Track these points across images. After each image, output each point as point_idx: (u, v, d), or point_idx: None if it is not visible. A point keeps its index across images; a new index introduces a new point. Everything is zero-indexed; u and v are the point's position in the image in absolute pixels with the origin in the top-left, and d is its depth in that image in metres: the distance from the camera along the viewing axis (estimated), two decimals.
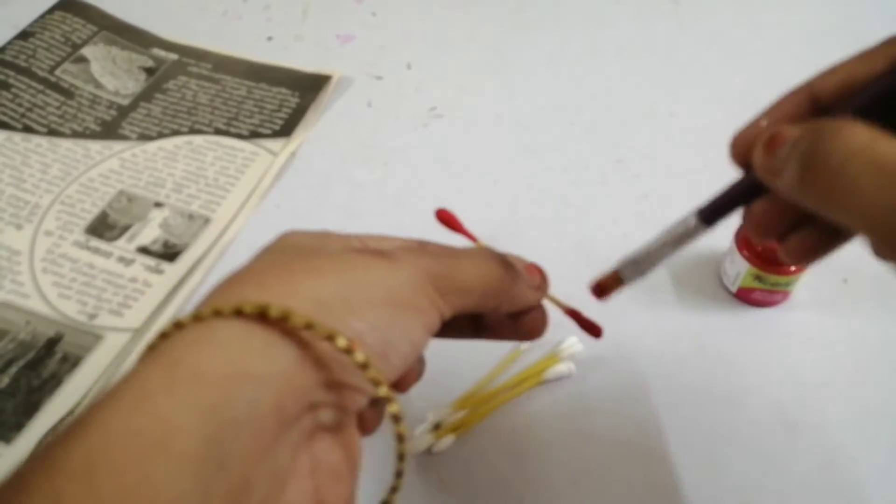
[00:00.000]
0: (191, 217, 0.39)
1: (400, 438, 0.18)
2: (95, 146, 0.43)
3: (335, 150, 0.43)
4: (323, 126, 0.44)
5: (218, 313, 0.17)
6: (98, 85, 0.46)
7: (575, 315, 0.26)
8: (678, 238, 0.22)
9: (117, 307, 0.36)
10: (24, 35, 0.48)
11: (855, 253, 0.38)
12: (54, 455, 0.15)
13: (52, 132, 0.43)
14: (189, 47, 0.49)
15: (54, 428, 0.32)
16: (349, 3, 0.53)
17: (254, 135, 0.44)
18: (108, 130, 0.44)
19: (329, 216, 0.40)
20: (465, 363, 0.33)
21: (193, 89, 0.46)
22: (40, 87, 0.45)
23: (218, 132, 0.44)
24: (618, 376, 0.33)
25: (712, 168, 0.43)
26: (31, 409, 0.32)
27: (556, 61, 0.49)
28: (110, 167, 0.42)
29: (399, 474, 0.19)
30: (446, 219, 0.27)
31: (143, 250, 0.38)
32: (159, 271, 0.37)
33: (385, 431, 0.21)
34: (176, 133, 0.43)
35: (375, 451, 0.24)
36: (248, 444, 0.16)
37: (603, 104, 0.46)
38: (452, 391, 0.32)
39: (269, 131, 0.44)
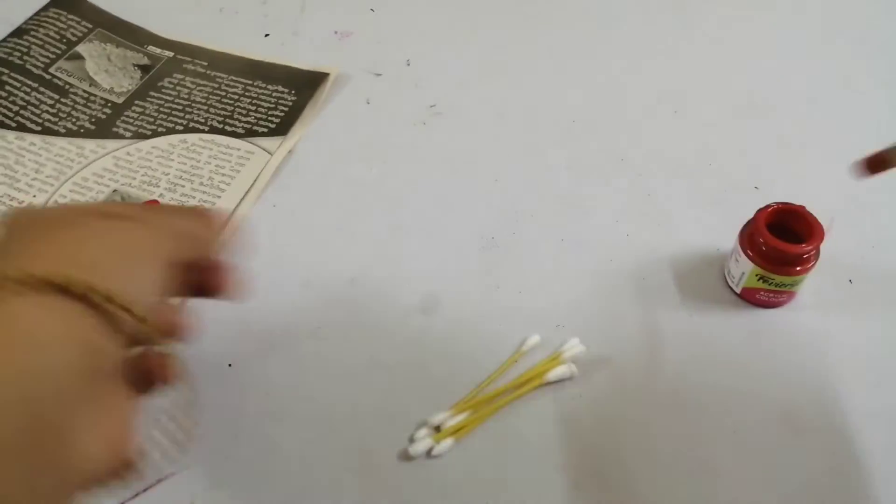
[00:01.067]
0: None
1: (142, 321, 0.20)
2: (90, 145, 0.42)
3: (333, 148, 0.42)
4: (321, 124, 0.44)
5: (22, 283, 0.19)
6: (93, 83, 0.45)
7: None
8: None
9: None
10: (18, 32, 0.47)
11: (860, 254, 0.38)
12: None
13: (46, 130, 0.43)
14: (184, 44, 0.48)
15: None
16: None
17: (249, 133, 0.43)
18: (103, 129, 0.43)
19: (327, 215, 0.39)
20: (465, 366, 0.33)
21: (189, 87, 0.45)
22: (35, 84, 0.45)
23: (213, 130, 0.43)
24: (620, 378, 0.33)
25: (716, 166, 0.43)
26: None
27: (559, 58, 0.48)
28: (104, 166, 0.41)
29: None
30: None
31: None
32: None
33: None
34: (171, 131, 0.43)
35: None
36: (69, 393, 0.18)
37: (605, 102, 0.46)
38: (453, 394, 0.32)
39: (264, 129, 0.43)
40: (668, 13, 0.52)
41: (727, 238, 0.36)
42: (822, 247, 0.33)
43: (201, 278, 0.26)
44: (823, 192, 0.38)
